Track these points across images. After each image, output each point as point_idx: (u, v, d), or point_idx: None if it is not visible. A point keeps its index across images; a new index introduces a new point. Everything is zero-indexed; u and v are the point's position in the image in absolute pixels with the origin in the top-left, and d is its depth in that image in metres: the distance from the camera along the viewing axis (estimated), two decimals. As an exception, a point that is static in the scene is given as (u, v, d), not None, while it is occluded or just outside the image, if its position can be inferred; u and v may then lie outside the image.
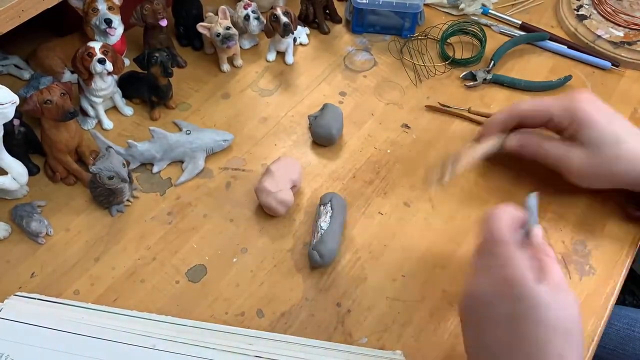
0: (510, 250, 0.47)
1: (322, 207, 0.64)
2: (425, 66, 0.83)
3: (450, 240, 0.64)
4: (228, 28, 0.77)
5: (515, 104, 0.65)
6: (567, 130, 0.61)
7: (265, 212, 0.66)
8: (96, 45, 0.69)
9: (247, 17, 0.80)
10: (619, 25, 0.86)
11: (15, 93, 0.58)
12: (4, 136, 0.61)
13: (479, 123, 0.75)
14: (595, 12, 0.88)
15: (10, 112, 0.58)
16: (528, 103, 0.64)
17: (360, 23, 0.87)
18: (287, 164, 0.66)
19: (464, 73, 0.81)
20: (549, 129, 0.64)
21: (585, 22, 0.87)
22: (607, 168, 0.59)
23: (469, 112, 0.76)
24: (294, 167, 0.66)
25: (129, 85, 0.77)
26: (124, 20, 0.75)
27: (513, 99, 0.79)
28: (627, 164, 0.58)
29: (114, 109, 0.77)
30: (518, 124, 0.65)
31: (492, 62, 0.81)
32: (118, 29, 0.74)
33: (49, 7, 0.64)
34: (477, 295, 0.48)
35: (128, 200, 0.67)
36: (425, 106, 0.78)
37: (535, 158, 0.64)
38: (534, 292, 0.44)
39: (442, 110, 0.77)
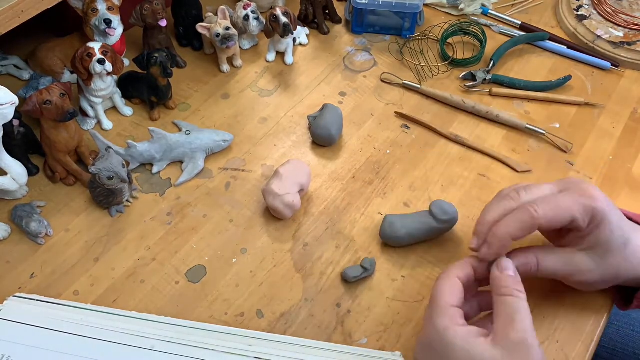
0: (450, 335, 0.46)
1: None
2: (425, 66, 0.83)
3: (449, 240, 0.64)
4: (227, 28, 0.77)
5: (528, 212, 0.50)
6: (581, 231, 0.52)
7: (265, 213, 0.66)
8: (96, 46, 0.69)
9: (246, 18, 0.80)
10: (619, 26, 0.86)
11: (15, 93, 0.58)
12: (3, 137, 0.61)
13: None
14: (595, 12, 0.88)
15: (9, 113, 0.58)
16: (546, 209, 0.50)
17: (360, 23, 0.87)
18: (296, 168, 0.65)
19: (463, 73, 0.81)
20: (561, 231, 0.55)
21: (585, 22, 0.87)
22: (614, 272, 0.54)
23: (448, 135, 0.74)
24: (303, 171, 0.66)
25: (128, 86, 0.76)
26: (124, 21, 0.75)
27: (513, 100, 0.79)
28: (632, 265, 0.54)
29: (113, 110, 0.77)
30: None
31: (492, 62, 0.81)
32: (118, 30, 0.74)
33: (49, 7, 0.64)
34: None
35: (128, 200, 0.67)
36: (395, 113, 0.77)
37: (534, 276, 0.54)
38: None
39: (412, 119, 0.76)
